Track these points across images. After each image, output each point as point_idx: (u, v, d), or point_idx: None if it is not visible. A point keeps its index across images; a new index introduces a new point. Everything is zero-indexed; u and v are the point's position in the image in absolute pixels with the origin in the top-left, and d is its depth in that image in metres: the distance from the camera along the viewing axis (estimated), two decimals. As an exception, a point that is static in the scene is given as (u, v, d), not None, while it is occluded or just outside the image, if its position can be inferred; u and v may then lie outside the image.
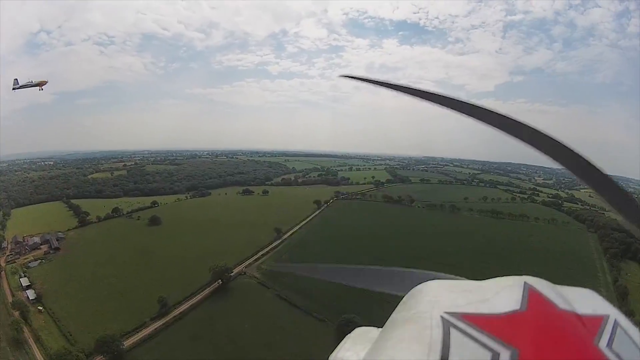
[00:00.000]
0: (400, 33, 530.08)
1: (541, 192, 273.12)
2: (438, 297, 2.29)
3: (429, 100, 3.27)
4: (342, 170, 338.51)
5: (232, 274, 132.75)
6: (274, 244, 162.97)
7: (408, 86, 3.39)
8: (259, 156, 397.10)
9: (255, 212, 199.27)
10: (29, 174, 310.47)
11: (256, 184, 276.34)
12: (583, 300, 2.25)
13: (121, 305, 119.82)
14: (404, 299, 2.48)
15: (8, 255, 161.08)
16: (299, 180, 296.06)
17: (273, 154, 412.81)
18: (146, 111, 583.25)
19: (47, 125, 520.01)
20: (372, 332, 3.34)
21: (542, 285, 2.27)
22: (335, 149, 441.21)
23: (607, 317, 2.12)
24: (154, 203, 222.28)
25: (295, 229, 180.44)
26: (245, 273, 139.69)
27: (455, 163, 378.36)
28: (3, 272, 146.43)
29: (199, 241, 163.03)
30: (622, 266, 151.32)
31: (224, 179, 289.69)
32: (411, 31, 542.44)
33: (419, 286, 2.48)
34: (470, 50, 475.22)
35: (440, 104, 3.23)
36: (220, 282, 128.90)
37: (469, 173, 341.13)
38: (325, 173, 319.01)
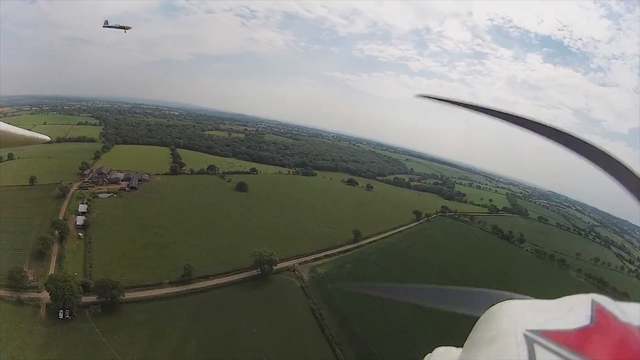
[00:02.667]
0: (544, 49, 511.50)
1: None
2: (517, 315, 2.43)
3: (509, 122, 3.29)
4: (461, 184, 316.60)
5: (275, 267, 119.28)
6: (344, 247, 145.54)
7: (488, 107, 3.43)
8: (382, 149, 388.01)
9: (347, 205, 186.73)
10: (147, 117, 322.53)
11: (366, 176, 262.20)
12: (635, 313, 2.36)
13: (152, 257, 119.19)
14: (481, 318, 2.65)
15: (84, 182, 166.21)
16: (412, 183, 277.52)
17: (396, 150, 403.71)
18: (281, 85, 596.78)
19: (180, 80, 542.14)
20: (452, 352, 3.61)
21: (606, 302, 2.41)
22: (461, 159, 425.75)
23: None
24: (253, 170, 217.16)
25: (378, 237, 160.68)
26: (294, 270, 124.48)
27: (577, 206, 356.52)
28: (69, 194, 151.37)
29: (269, 220, 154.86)
30: None
31: (337, 163, 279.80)
32: (555, 49, 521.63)
33: (495, 306, 2.64)
34: (610, 82, 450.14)
35: (522, 126, 3.23)
36: (259, 272, 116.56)
37: (588, 223, 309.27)
38: (441, 182, 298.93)
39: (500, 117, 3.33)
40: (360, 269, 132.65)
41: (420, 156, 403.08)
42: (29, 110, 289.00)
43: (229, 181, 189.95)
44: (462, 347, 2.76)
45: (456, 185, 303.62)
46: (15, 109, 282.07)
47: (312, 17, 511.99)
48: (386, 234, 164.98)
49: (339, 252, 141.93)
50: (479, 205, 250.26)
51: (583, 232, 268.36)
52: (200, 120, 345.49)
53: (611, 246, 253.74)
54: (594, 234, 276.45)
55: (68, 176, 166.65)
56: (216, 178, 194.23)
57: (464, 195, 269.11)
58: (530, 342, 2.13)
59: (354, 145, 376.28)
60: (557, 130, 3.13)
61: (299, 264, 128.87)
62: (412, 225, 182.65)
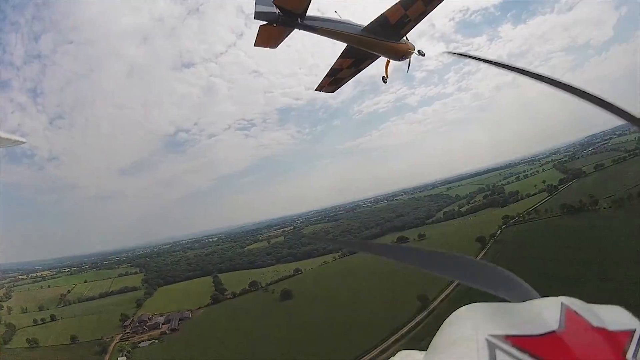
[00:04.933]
0: (508, 14, 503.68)
1: None
2: (481, 319, 2.36)
3: (526, 75, 3.32)
4: (508, 183, 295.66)
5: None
6: (414, 320, 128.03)
7: (507, 64, 3.43)
8: (420, 191, 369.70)
9: (403, 271, 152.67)
10: (186, 252, 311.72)
11: (415, 225, 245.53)
12: (613, 317, 2.32)
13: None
14: (445, 321, 2.56)
15: (125, 333, 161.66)
16: (462, 210, 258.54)
17: (434, 185, 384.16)
18: (304, 175, 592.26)
19: (210, 207, 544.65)
20: (413, 355, 3.51)
21: (577, 305, 2.37)
22: (497, 160, 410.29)
23: (634, 331, 2.23)
24: (297, 271, 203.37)
25: (446, 292, 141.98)
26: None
27: (617, 132, 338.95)
28: (110, 348, 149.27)
29: (320, 321, 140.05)
30: None
31: (382, 227, 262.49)
32: (517, 8, 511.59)
33: (461, 309, 2.58)
34: (575, 1, 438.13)
35: (541, 80, 3.24)
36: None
37: (637, 138, 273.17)
38: (490, 192, 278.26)
39: (520, 73, 3.32)
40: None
41: (459, 179, 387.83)
42: (68, 271, 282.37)
43: (272, 292, 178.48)
44: (425, 350, 2.65)
45: (505, 187, 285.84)
46: (55, 272, 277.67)
47: (304, 103, 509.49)
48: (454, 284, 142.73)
49: (407, 332, 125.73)
50: (536, 194, 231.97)
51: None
52: (239, 238, 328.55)
53: None
54: None
55: (109, 330, 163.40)
56: (261, 293, 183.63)
57: (517, 192, 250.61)
58: (492, 348, 2.07)
59: (392, 201, 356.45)
60: (556, 80, 3.10)
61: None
62: (481, 255, 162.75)
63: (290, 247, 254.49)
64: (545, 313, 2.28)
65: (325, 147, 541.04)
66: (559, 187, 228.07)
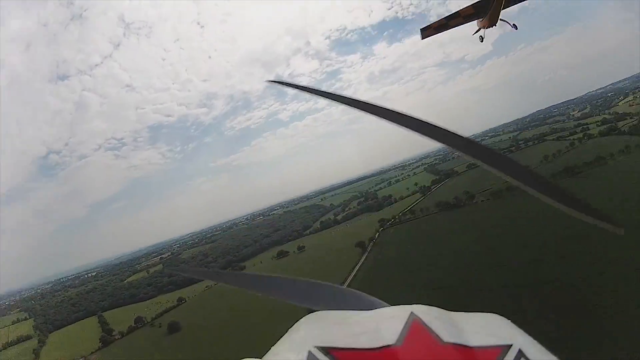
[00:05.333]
0: (385, 34, 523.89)
1: (588, 123, 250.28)
2: (316, 330, 2.21)
3: (350, 105, 3.29)
4: (381, 188, 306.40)
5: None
6: None
7: (334, 93, 3.46)
8: (295, 204, 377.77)
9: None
10: (68, 292, 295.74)
11: (294, 238, 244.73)
12: (482, 330, 2.13)
13: None
14: (288, 330, 2.37)
15: None
16: (339, 217, 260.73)
17: (309, 197, 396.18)
18: (179, 195, 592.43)
19: (87, 237, 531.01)
20: None
21: (431, 316, 2.18)
22: (369, 168, 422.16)
23: (508, 347, 1.96)
24: (180, 300, 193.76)
25: None
26: None
27: (489, 134, 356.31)
28: None
29: (214, 352, 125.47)
30: None
31: (260, 243, 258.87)
32: (394, 27, 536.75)
33: (305, 317, 2.42)
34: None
35: (364, 110, 3.21)
36: None
37: (510, 137, 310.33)
38: (364, 198, 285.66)
39: (350, 105, 3.27)
40: None
41: (333, 188, 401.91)
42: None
43: (159, 327, 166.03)
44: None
45: (377, 192, 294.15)
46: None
47: (175, 120, 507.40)
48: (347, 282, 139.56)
49: None
50: (410, 196, 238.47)
51: (513, 148, 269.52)
52: (117, 271, 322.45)
53: (545, 138, 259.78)
54: (522, 141, 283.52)
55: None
56: (147, 329, 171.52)
57: (390, 196, 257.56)
58: None
59: (269, 216, 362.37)
60: (410, 117, 3.07)
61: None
62: (362, 260, 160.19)
63: (170, 275, 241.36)
64: (387, 324, 2.10)
65: (198, 165, 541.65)
66: (432, 187, 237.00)
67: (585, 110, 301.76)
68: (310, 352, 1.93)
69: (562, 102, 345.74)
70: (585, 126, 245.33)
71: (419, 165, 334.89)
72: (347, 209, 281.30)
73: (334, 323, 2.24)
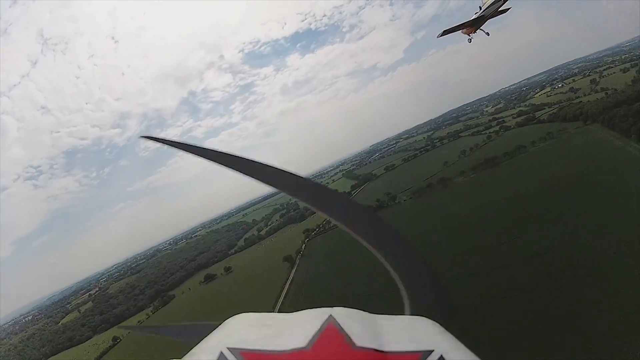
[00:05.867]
0: (298, 45, 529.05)
1: (503, 117, 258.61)
2: (234, 331, 2.28)
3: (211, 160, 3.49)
4: (297, 202, 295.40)
5: None
6: None
7: (201, 147, 3.63)
8: (217, 222, 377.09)
9: (218, 311, 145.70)
10: (11, 339, 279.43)
11: (219, 259, 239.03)
12: (403, 334, 2.15)
13: None
14: (213, 331, 2.44)
15: None
16: (262, 232, 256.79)
17: (230, 214, 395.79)
18: (99, 225, 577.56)
19: (18, 277, 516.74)
20: None
21: (349, 319, 2.19)
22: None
23: (429, 352, 1.98)
24: (115, 339, 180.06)
25: None
26: None
27: (403, 136, 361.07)
28: None
29: None
30: None
31: (186, 268, 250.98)
32: (307, 39, 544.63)
33: (228, 319, 2.52)
34: (367, 31, 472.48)
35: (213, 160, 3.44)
36: None
37: (425, 137, 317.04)
38: (285, 210, 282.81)
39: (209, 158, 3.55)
40: None
41: (253, 203, 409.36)
42: None
43: None
44: None
45: (298, 203, 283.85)
46: None
47: (89, 143, 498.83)
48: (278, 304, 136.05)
49: None
50: None
51: (429, 146, 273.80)
52: (51, 313, 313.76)
53: (460, 135, 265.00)
54: (437, 139, 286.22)
55: None
56: None
57: None
58: None
59: (191, 238, 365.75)
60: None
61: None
62: (292, 276, 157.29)
63: (101, 313, 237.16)
64: (302, 327, 2.13)
65: (116, 190, 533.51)
66: (352, 192, 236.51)
67: (499, 106, 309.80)
68: (221, 353, 1.96)
69: (474, 100, 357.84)
70: (500, 120, 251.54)
71: (337, 172, 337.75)
72: (269, 222, 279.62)
73: (252, 325, 2.27)
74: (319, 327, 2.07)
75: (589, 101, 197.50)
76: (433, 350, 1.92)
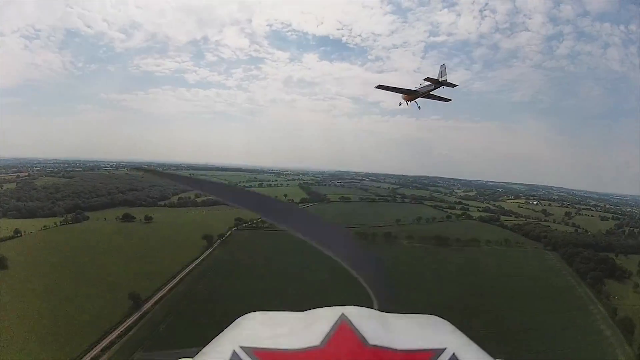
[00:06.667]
0: (321, 48, 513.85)
1: (469, 205, 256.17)
2: (246, 329, 2.30)
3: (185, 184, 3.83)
4: (251, 186, 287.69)
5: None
6: (119, 330, 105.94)
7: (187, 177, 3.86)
8: (164, 168, 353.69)
9: (122, 257, 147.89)
10: None
11: (147, 205, 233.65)
12: (415, 333, 2.18)
13: None
14: (225, 329, 2.45)
15: None
16: (198, 199, 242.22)
17: (179, 167, 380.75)
18: (60, 115, 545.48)
19: None
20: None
21: (361, 317, 2.19)
22: (248, 162, 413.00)
23: (442, 351, 1.99)
24: (17, 232, 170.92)
25: (165, 290, 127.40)
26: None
27: (370, 177, 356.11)
28: None
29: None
30: (606, 289, 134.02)
31: (113, 197, 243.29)
32: (332, 47, 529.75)
33: (239, 318, 2.51)
34: (388, 69, 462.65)
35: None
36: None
37: (388, 188, 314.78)
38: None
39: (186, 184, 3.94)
40: (154, 350, 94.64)
41: (206, 168, 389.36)
42: None
43: None
44: None
45: (246, 189, 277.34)
46: None
47: (92, 33, 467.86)
48: (175, 281, 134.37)
49: (121, 334, 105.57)
50: None
51: (389, 198, 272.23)
52: None
53: (423, 202, 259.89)
54: (399, 195, 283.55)
55: None
56: None
57: None
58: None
59: (133, 171, 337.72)
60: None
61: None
62: (206, 254, 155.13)
63: (19, 199, 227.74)
64: (315, 326, 2.12)
65: (91, 91, 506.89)
66: (300, 204, 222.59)
67: (470, 193, 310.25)
68: (234, 352, 1.95)
69: (449, 177, 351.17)
70: (466, 206, 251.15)
71: (295, 179, 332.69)
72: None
73: (264, 324, 2.28)
74: (331, 326, 2.04)
75: (556, 229, 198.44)
76: (445, 349, 1.92)
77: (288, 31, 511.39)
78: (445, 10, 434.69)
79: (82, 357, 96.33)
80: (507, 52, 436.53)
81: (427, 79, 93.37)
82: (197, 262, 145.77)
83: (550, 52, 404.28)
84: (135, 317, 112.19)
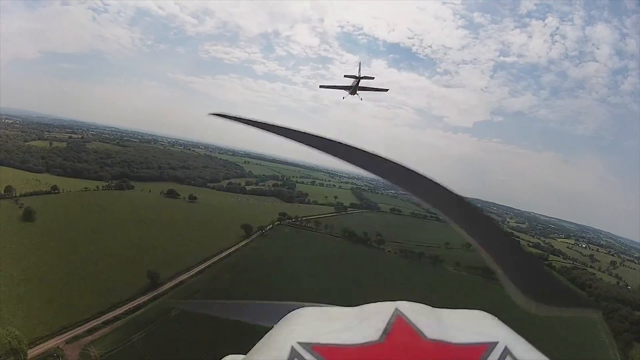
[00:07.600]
0: (390, 55, 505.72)
1: (521, 238, 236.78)
2: (300, 325, 2.19)
3: (291, 138, 3.30)
4: (302, 182, 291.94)
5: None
6: (134, 303, 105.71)
7: (275, 124, 3.46)
8: (220, 152, 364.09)
9: (152, 232, 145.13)
10: None
11: (196, 184, 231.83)
12: (467, 327, 2.08)
13: None
14: (274, 326, 2.36)
15: None
16: (247, 187, 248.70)
17: (236, 153, 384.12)
18: (125, 87, 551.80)
19: (26, 82, 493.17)
20: (238, 359, 3.29)
21: (415, 312, 2.13)
22: (304, 159, 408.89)
23: (494, 344, 1.93)
24: (54, 189, 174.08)
25: (188, 274, 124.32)
26: (57, 355, 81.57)
27: None
28: None
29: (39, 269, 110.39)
30: (632, 354, 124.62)
31: (163, 171, 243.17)
32: (402, 55, 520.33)
33: (290, 313, 2.41)
34: (456, 84, 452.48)
35: (300, 141, 3.23)
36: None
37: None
38: (282, 184, 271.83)
39: (289, 136, 3.27)
40: (157, 336, 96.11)
41: (262, 157, 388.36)
42: None
43: (20, 207, 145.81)
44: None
45: (297, 184, 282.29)
46: None
47: (163, 15, 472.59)
48: (200, 267, 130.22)
49: (129, 311, 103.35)
50: (324, 205, 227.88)
51: (441, 217, 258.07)
52: (28, 129, 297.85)
53: None
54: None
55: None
56: (9, 203, 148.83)
57: (306, 195, 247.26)
58: (293, 356, 1.88)
59: (189, 150, 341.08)
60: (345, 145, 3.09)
61: (66, 342, 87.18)
62: (241, 244, 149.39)
63: (65, 159, 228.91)
64: (370, 321, 2.05)
65: (157, 69, 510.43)
66: (349, 209, 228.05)
67: (522, 225, 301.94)
68: (293, 348, 1.90)
69: (503, 205, 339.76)
70: (516, 239, 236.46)
71: (348, 182, 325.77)
72: (260, 183, 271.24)
73: (318, 319, 2.20)
74: (387, 320, 2.00)
75: (601, 279, 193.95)
76: (498, 342, 1.91)
77: (359, 34, 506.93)
78: (517, 30, 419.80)
79: (82, 324, 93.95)
80: (574, 82, 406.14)
81: (346, 76, 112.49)
82: (229, 251, 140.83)
83: (615, 86, 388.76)
84: (148, 297, 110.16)
